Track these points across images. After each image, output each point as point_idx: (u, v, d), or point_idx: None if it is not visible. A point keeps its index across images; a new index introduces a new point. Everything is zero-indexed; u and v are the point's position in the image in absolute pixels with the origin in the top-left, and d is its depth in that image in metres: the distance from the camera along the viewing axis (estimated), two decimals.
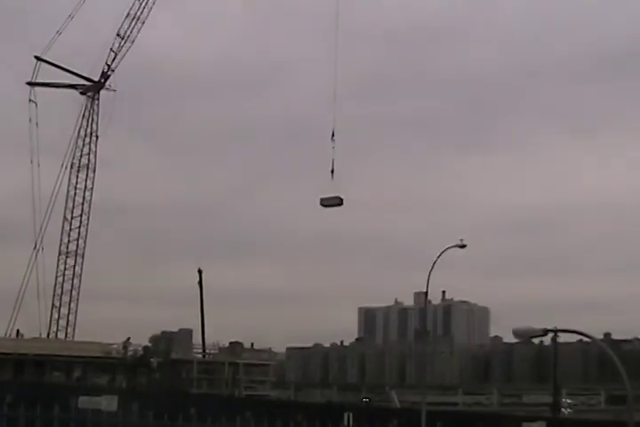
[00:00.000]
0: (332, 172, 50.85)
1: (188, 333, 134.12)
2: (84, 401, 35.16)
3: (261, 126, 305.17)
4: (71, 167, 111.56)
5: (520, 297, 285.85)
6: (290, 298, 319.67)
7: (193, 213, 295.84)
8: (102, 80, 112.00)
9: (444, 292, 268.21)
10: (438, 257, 46.59)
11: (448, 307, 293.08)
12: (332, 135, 53.66)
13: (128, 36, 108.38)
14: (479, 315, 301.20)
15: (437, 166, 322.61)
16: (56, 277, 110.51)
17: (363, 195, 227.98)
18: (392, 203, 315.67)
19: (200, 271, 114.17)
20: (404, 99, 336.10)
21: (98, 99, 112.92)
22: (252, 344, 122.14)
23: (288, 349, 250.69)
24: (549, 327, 16.91)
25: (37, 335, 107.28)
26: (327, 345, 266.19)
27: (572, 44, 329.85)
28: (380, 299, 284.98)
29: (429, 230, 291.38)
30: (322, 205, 49.55)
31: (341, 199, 49.19)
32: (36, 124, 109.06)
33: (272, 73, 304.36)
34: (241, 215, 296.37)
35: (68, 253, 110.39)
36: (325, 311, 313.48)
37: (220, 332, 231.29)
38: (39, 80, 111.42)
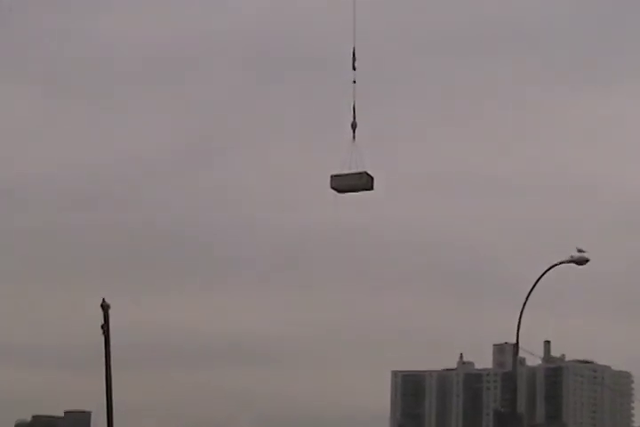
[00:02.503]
0: (354, 127, 43.91)
1: (82, 418, 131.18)
2: None
3: (223, 49, 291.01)
4: None
5: None
6: (276, 354, 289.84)
7: (104, 199, 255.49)
8: None
9: (547, 343, 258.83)
10: (537, 282, 47.54)
11: (557, 371, 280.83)
12: (353, 61, 45.03)
13: None
14: (612, 385, 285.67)
15: (518, 111, 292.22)
16: None
17: (396, 169, 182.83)
18: (444, 179, 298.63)
19: (105, 307, 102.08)
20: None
21: None
22: None
23: None
24: None
25: None
26: None
27: None
28: (431, 357, 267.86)
29: (511, 231, 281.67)
30: (334, 189, 43.25)
31: (370, 178, 43.14)
32: None
33: None
34: (187, 203, 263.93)
35: None
36: (336, 377, 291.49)
37: (147, 415, 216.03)
38: None
